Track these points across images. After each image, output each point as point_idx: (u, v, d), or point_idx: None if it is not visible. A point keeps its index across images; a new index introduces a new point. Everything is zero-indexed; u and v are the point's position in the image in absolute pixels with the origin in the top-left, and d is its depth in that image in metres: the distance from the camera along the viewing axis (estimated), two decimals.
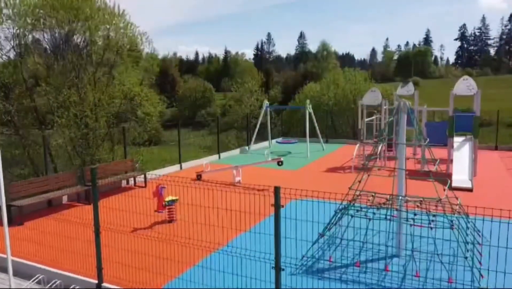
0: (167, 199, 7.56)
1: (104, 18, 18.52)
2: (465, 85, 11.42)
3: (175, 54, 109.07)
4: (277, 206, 3.78)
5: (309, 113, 15.93)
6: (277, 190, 3.81)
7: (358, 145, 12.60)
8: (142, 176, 10.66)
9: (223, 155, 15.54)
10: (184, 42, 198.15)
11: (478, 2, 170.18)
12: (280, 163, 10.25)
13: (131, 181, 10.85)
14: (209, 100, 69.99)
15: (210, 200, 8.98)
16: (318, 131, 17.12)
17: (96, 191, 5.06)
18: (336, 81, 28.52)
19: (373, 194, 6.67)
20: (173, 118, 70.08)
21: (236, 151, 16.59)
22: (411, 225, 5.47)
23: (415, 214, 5.67)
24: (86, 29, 17.94)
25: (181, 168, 13.08)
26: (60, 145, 16.96)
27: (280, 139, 19.51)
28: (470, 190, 9.79)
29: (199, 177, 11.49)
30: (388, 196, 6.51)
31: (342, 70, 40.18)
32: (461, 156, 11.06)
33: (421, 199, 6.19)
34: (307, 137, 15.64)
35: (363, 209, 6.19)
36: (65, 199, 9.25)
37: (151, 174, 11.53)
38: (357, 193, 6.68)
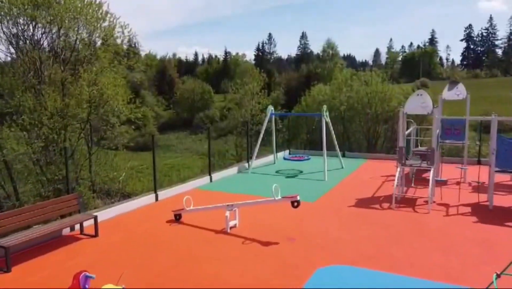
0: None
1: (75, 6, 15.16)
2: None
3: (174, 55, 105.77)
4: None
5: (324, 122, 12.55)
6: None
7: (399, 169, 9.18)
8: (92, 219, 7.23)
9: (216, 175, 12.11)
10: (185, 44, 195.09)
11: (477, 4, 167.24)
12: (295, 204, 6.87)
13: (77, 226, 7.44)
14: (208, 103, 66.57)
15: (186, 269, 6.07)
16: (336, 144, 13.72)
17: None
18: (348, 82, 25.14)
19: None
20: (171, 120, 66.81)
21: (233, 170, 13.16)
22: None
23: None
24: (50, 17, 14.60)
25: (156, 198, 9.66)
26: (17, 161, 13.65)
27: (287, 154, 16.04)
28: None
29: (177, 217, 8.09)
30: None
31: (351, 71, 37.00)
32: None
33: None
34: (324, 153, 12.25)
35: None
36: None
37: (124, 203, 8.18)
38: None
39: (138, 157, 32.18)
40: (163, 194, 9.93)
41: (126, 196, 19.51)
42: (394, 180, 11.48)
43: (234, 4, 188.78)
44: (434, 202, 8.95)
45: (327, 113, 12.78)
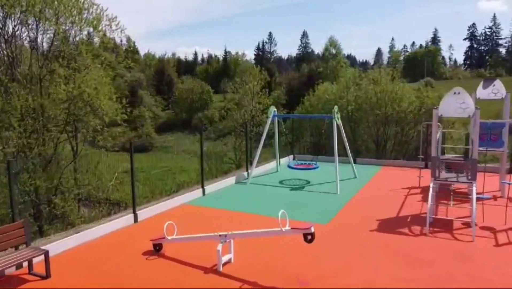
0: None
1: None
2: None
3: (173, 54, 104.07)
4: None
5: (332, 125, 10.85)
6: None
7: (432, 184, 7.48)
8: (42, 255, 5.55)
9: (210, 187, 10.40)
10: (185, 44, 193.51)
11: (477, 4, 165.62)
12: (309, 237, 5.20)
13: (26, 263, 5.76)
14: (207, 103, 64.84)
15: None
16: (348, 150, 12.04)
17: None
18: (356, 80, 23.43)
19: None
20: (169, 121, 65.04)
21: (231, 180, 11.46)
22: None
23: None
24: (25, 6, 12.91)
25: (135, 219, 7.96)
26: None
27: (292, 160, 14.26)
28: None
29: (157, 248, 6.41)
30: None
31: (353, 70, 35.44)
32: None
33: None
34: (336, 161, 10.54)
35: None
36: None
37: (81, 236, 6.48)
38: None
39: (135, 159, 30.44)
40: (145, 212, 8.23)
41: (115, 204, 17.92)
42: (417, 193, 9.87)
43: (234, 4, 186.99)
44: (476, 224, 7.26)
45: (339, 115, 11.09)
